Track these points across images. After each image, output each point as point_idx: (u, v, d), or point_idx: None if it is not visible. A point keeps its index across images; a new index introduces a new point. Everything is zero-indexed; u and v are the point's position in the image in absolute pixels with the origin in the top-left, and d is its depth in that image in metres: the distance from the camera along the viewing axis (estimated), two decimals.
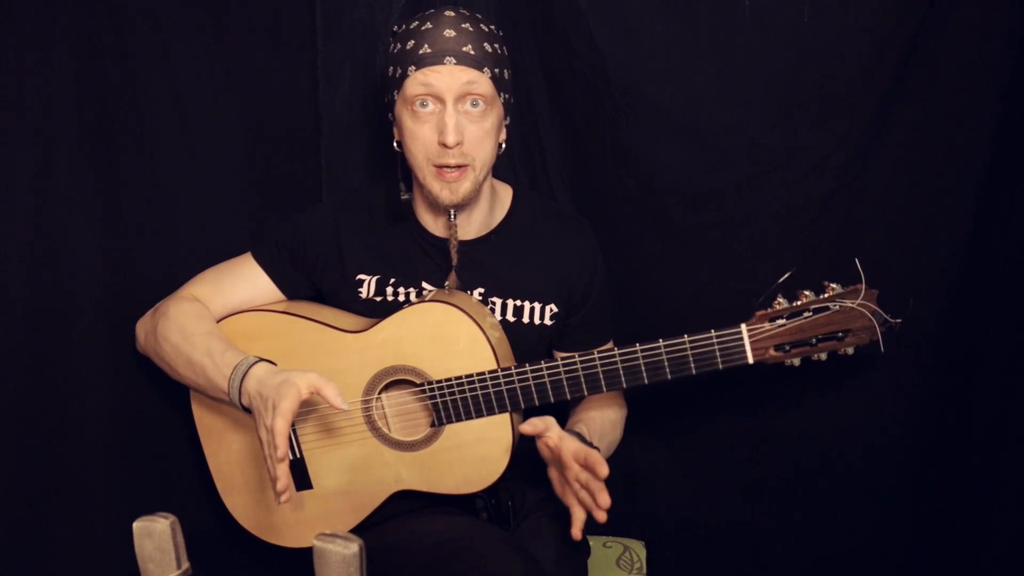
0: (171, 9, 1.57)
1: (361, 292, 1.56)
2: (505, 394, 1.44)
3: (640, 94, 1.68)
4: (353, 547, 1.12)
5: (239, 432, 1.55)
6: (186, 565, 1.20)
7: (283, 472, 1.32)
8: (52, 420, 1.43)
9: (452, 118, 1.39)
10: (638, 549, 1.75)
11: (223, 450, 1.57)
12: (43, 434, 1.42)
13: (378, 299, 1.55)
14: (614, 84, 1.68)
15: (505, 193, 1.62)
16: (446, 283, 1.50)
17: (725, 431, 1.82)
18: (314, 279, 1.60)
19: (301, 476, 1.54)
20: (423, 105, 1.41)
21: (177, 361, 1.46)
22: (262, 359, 1.41)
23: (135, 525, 1.16)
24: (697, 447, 1.86)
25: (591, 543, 1.68)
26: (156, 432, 1.61)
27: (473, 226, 1.56)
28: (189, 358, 1.45)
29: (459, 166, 1.42)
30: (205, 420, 1.57)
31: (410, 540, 1.46)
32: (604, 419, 1.59)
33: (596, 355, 1.43)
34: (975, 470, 1.66)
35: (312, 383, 1.33)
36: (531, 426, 1.39)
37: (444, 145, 1.40)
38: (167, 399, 1.63)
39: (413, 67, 1.40)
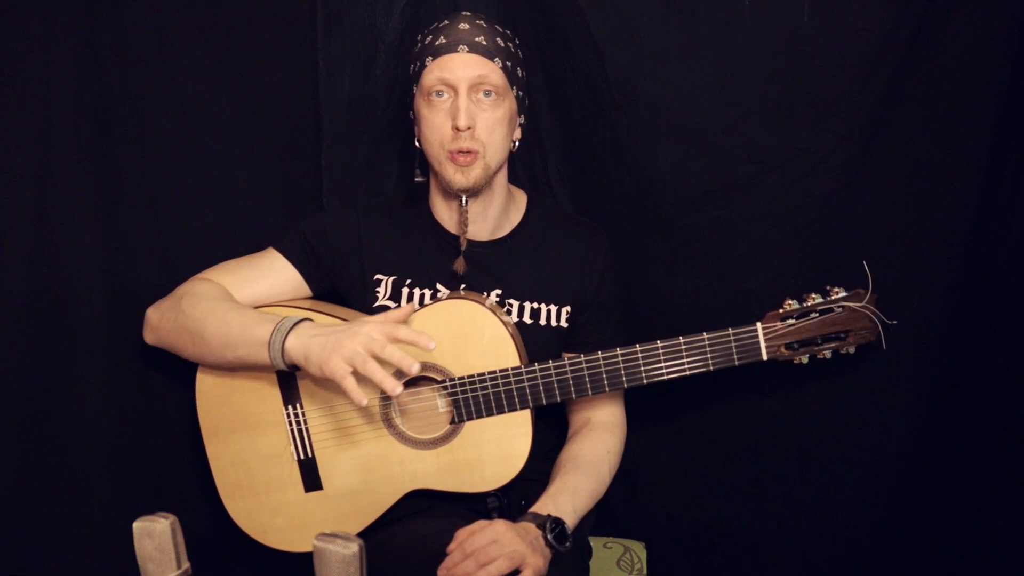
0: (171, 8, 1.57)
1: (379, 292, 1.57)
2: (528, 391, 1.47)
3: (639, 93, 1.68)
4: (353, 547, 1.12)
5: (244, 433, 1.54)
6: (186, 565, 1.20)
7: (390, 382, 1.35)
8: (52, 420, 1.43)
9: (464, 102, 1.46)
10: (638, 550, 1.74)
11: (228, 452, 1.55)
12: (43, 434, 1.42)
13: (392, 304, 1.56)
14: (613, 83, 1.68)
15: (521, 198, 1.65)
16: (454, 266, 1.53)
17: (726, 432, 1.82)
18: (333, 279, 1.60)
19: (311, 477, 1.53)
20: (438, 95, 1.48)
21: (206, 324, 1.45)
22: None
23: (135, 525, 1.16)
24: (698, 448, 1.86)
25: (592, 544, 1.68)
26: (156, 432, 1.61)
27: (488, 225, 1.59)
28: (223, 318, 1.45)
29: (470, 151, 1.47)
30: (209, 421, 1.56)
31: (415, 544, 1.45)
32: (580, 473, 1.53)
33: (619, 351, 1.48)
34: (975, 469, 1.66)
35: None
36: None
37: (456, 129, 1.46)
38: (168, 399, 1.63)
39: (430, 58, 1.48)
